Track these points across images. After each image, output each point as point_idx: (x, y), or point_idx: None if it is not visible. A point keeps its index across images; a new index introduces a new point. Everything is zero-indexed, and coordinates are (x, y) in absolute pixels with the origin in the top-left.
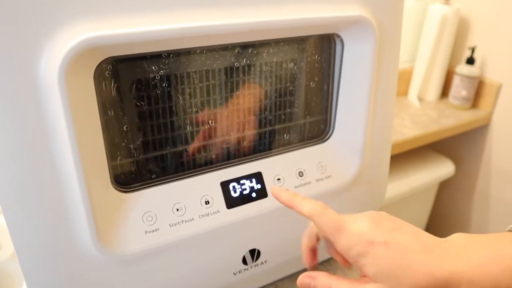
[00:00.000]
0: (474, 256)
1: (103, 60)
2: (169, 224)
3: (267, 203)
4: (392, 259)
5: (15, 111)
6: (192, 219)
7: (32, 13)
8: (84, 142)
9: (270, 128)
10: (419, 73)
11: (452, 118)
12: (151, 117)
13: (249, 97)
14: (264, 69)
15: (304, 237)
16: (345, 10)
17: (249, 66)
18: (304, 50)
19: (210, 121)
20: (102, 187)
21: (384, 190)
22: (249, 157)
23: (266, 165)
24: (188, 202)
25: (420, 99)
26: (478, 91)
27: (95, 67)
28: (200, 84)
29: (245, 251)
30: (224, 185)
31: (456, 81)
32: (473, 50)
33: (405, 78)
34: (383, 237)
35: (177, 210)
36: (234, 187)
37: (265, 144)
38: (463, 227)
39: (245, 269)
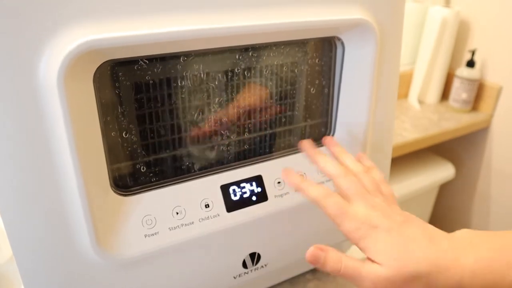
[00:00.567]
0: (479, 250)
1: (102, 63)
2: (169, 228)
3: (267, 207)
4: (393, 244)
5: (14, 114)
6: (192, 222)
7: (32, 15)
8: (83, 145)
9: (271, 131)
10: (419, 75)
11: (452, 120)
12: (150, 120)
13: (249, 100)
14: (264, 72)
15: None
16: (346, 13)
17: (249, 69)
18: (305, 53)
19: (209, 124)
20: (102, 190)
21: None
22: (249, 160)
23: (266, 168)
24: (188, 206)
25: (420, 102)
26: (478, 93)
27: (94, 70)
28: (200, 87)
29: (245, 255)
30: (224, 188)
31: (456, 84)
32: (473, 52)
33: (405, 81)
34: (389, 225)
35: (177, 213)
36: (234, 190)
37: (265, 147)
38: None
39: (245, 272)
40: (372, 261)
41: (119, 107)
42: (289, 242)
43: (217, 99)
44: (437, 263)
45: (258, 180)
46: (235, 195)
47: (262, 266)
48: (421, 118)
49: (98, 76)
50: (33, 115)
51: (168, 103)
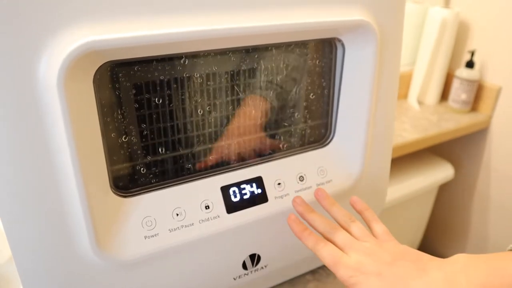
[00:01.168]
0: (474, 275)
1: (102, 64)
2: (169, 229)
3: (267, 208)
4: (385, 285)
5: (14, 114)
6: (192, 224)
7: (32, 16)
8: (83, 146)
9: (271, 132)
10: (419, 76)
11: (451, 121)
12: (150, 121)
13: (249, 102)
14: (264, 73)
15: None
16: (347, 14)
17: (249, 70)
18: (305, 54)
19: (210, 125)
20: (101, 191)
21: (384, 194)
22: (249, 161)
23: (266, 170)
24: (188, 207)
25: (420, 103)
26: (477, 94)
27: (94, 71)
28: (200, 88)
29: (245, 256)
30: (224, 189)
31: (455, 85)
32: (472, 53)
33: (405, 81)
34: (378, 269)
35: (177, 215)
36: (234, 191)
37: (265, 149)
38: (463, 230)
39: (245, 274)
40: None
41: (119, 108)
42: (289, 243)
43: (217, 100)
44: None
45: (258, 181)
46: (235, 196)
47: (262, 267)
48: (420, 118)
49: (98, 77)
50: (33, 116)
51: (168, 104)
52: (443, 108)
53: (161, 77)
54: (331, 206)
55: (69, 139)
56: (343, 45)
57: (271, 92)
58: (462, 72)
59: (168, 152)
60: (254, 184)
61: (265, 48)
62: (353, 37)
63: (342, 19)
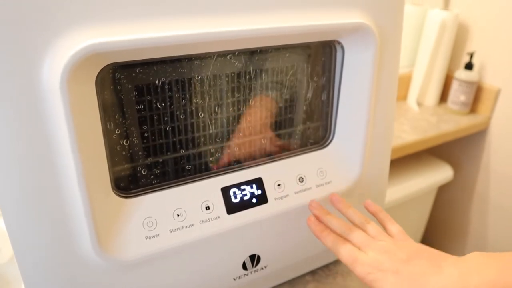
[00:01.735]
0: (486, 273)
1: (104, 66)
2: (170, 230)
3: (267, 209)
4: (402, 285)
5: (17, 116)
6: (193, 224)
7: (35, 19)
8: (85, 148)
9: (271, 134)
10: (418, 78)
11: (450, 123)
12: (152, 122)
13: (249, 103)
14: (264, 75)
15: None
16: (346, 17)
17: (249, 72)
18: (305, 57)
19: (210, 127)
20: (103, 192)
21: (384, 195)
22: (249, 162)
23: (266, 171)
24: (189, 208)
25: (419, 104)
26: (476, 96)
27: (97, 73)
28: (200, 90)
29: (245, 257)
30: (225, 190)
31: (454, 86)
32: (471, 55)
33: (404, 83)
34: (395, 267)
35: (178, 215)
36: (234, 192)
37: (265, 150)
38: (462, 232)
39: (245, 274)
40: None
41: (120, 110)
42: (289, 244)
43: (218, 102)
44: None
45: (259, 182)
46: (235, 197)
47: (262, 268)
48: (420, 120)
49: (100, 79)
50: (36, 118)
51: (169, 106)
52: (442, 109)
53: (163, 79)
54: (347, 209)
55: (71, 140)
56: (342, 47)
57: (272, 94)
58: (461, 73)
59: (169, 153)
60: (254, 185)
61: (266, 50)
62: (353, 40)
63: (342, 22)
